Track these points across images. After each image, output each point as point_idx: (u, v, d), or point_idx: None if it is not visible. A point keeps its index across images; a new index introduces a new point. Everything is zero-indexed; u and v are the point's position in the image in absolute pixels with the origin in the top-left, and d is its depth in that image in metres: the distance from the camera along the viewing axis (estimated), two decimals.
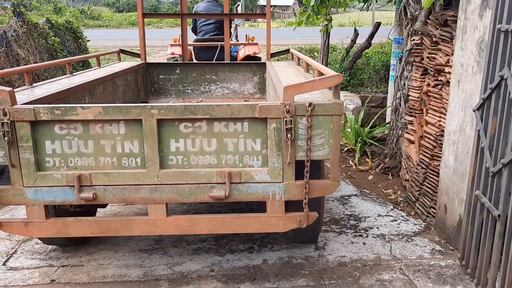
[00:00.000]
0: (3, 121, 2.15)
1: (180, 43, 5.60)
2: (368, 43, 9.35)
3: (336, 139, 2.26)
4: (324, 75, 2.40)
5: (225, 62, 4.90)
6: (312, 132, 2.24)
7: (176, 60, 5.96)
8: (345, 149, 5.20)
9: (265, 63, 4.74)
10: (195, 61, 5.94)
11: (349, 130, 5.60)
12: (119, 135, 2.26)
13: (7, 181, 2.35)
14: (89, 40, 7.62)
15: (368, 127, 5.36)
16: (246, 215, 2.47)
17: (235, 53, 6.47)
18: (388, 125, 5.12)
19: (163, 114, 2.20)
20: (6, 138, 2.16)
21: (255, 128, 2.26)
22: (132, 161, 2.30)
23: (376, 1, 6.85)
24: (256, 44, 6.51)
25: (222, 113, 2.21)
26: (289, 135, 2.20)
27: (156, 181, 2.30)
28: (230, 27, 5.29)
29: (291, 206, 2.46)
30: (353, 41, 9.73)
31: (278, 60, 6.22)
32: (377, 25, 9.06)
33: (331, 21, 5.80)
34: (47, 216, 2.37)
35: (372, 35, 9.35)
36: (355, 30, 9.58)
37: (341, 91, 8.58)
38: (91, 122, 2.23)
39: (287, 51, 4.95)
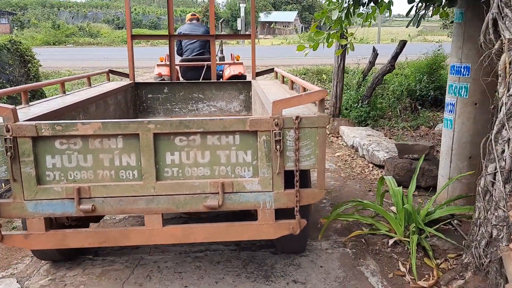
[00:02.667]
0: (6, 137, 2.23)
1: (167, 63, 5.98)
2: (391, 66, 7.69)
3: (322, 150, 2.39)
4: (309, 90, 2.54)
5: (211, 81, 5.02)
6: (300, 143, 2.36)
7: (163, 80, 6.01)
8: (389, 241, 3.19)
9: (250, 81, 4.86)
10: (181, 80, 6.03)
11: (393, 207, 3.61)
12: (117, 149, 2.34)
13: None
14: (41, 65, 6.10)
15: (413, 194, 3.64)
16: (239, 223, 2.54)
17: (221, 72, 6.53)
18: (459, 199, 3.42)
19: (159, 128, 2.30)
20: (8, 153, 2.24)
21: (246, 140, 2.38)
22: (130, 173, 2.38)
23: (407, 15, 5.28)
24: (241, 63, 6.59)
25: (215, 126, 2.33)
26: (278, 147, 2.33)
27: (153, 192, 2.39)
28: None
29: (280, 214, 2.50)
30: (372, 63, 8.04)
31: (266, 78, 6.15)
32: (402, 44, 7.41)
33: (345, 38, 4.21)
34: (47, 228, 2.42)
35: (396, 56, 7.69)
36: (374, 49, 7.95)
37: (361, 127, 6.71)
38: (90, 137, 2.32)
39: (272, 70, 4.92)
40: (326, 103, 8.64)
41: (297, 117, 2.31)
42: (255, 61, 4.91)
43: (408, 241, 3.02)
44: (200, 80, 5.65)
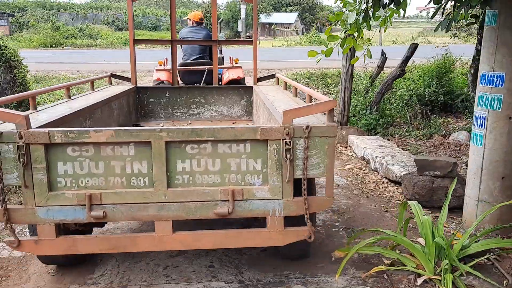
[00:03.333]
0: (18, 144, 2.23)
1: (166, 67, 6.10)
2: (401, 70, 7.28)
3: (331, 159, 2.42)
4: (315, 99, 2.64)
5: (213, 86, 5.03)
6: (309, 152, 2.39)
7: (163, 83, 5.98)
8: (417, 279, 2.71)
9: (252, 87, 4.89)
10: (180, 84, 5.92)
11: (420, 239, 3.07)
12: (128, 156, 2.36)
13: None
14: (28, 71, 5.69)
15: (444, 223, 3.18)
16: (248, 230, 2.59)
17: (219, 76, 6.39)
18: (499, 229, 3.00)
19: (171, 136, 2.32)
20: (21, 160, 2.24)
21: (257, 149, 2.40)
22: (141, 180, 2.39)
23: (432, 18, 4.92)
24: (240, 67, 6.56)
25: (226, 135, 2.35)
26: (288, 155, 2.36)
27: (163, 199, 2.40)
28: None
29: (287, 221, 2.52)
30: (380, 67, 7.63)
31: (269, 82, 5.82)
32: (414, 48, 7.01)
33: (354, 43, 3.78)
34: (57, 234, 2.42)
35: (406, 60, 7.28)
36: (383, 53, 7.53)
37: (371, 136, 6.29)
38: (102, 144, 2.33)
39: (273, 76, 4.98)
40: (334, 111, 8.21)
41: (307, 127, 2.35)
42: (257, 67, 4.91)
43: (440, 280, 2.59)
44: (202, 85, 5.71)
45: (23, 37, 31.15)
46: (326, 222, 3.74)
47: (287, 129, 2.34)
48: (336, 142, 6.39)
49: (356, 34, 3.52)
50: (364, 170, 5.14)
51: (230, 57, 7.31)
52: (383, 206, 4.10)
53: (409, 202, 3.07)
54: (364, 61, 4.26)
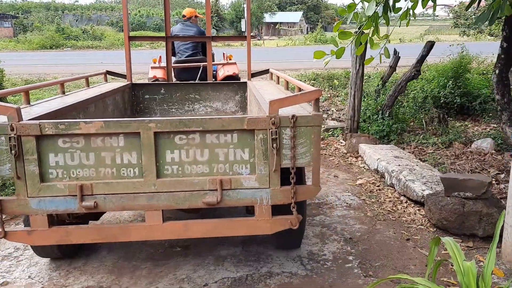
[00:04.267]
0: (10, 136, 2.27)
1: (161, 65, 6.11)
2: (416, 71, 6.66)
3: (317, 148, 2.45)
4: (303, 90, 2.64)
5: (207, 82, 5.10)
6: (296, 141, 2.42)
7: (158, 81, 5.91)
8: None
9: (246, 82, 4.92)
10: (175, 81, 5.87)
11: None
12: (118, 147, 2.39)
13: None
14: (4, 75, 5.16)
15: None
16: (237, 219, 2.61)
17: (214, 72, 6.39)
18: None
19: (159, 127, 2.35)
20: (13, 151, 2.27)
21: (244, 138, 2.44)
22: (131, 171, 2.42)
23: (467, 9, 4.31)
24: (235, 63, 6.51)
25: (214, 125, 2.39)
26: (274, 145, 2.39)
27: (153, 189, 2.43)
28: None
29: (277, 210, 2.55)
30: (393, 67, 7.01)
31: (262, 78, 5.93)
32: (430, 46, 6.38)
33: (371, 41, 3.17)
34: (50, 225, 2.46)
35: (422, 60, 6.63)
36: (395, 52, 6.88)
37: (384, 145, 5.70)
38: (92, 136, 2.37)
39: (267, 71, 4.99)
40: (342, 116, 7.64)
41: (293, 116, 2.38)
42: (251, 63, 4.96)
43: None
44: (197, 81, 5.64)
45: (26, 39, 30.82)
46: (338, 255, 3.14)
47: (273, 118, 2.37)
48: (345, 151, 5.79)
49: (370, 30, 2.92)
50: (378, 186, 4.52)
51: (223, 54, 7.21)
52: (403, 233, 3.48)
53: (444, 240, 2.46)
54: (380, 61, 3.69)
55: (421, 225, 3.63)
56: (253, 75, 5.00)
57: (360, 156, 5.55)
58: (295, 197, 2.50)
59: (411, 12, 3.14)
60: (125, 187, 2.42)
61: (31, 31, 37.58)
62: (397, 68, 7.19)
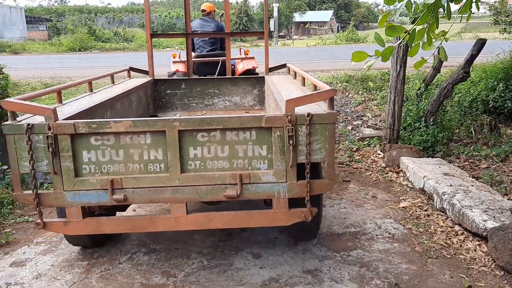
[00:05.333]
0: (47, 135, 2.43)
1: (181, 59, 6.27)
2: (464, 73, 5.85)
3: (331, 144, 2.55)
4: (320, 88, 2.74)
5: (226, 77, 5.25)
6: (311, 138, 2.52)
7: (175, 74, 6.13)
8: None
9: (263, 77, 5.03)
10: (194, 76, 5.93)
11: None
12: (145, 144, 2.55)
13: None
14: (8, 80, 4.80)
15: None
16: (255, 211, 2.72)
17: (232, 67, 6.44)
18: None
19: (183, 125, 2.50)
20: (50, 149, 2.44)
21: (262, 136, 2.55)
22: (157, 166, 2.57)
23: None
24: (253, 57, 6.59)
25: (234, 123, 2.51)
26: (291, 141, 2.50)
27: (178, 183, 2.58)
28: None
29: (293, 203, 2.66)
30: (437, 69, 6.25)
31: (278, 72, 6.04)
32: (481, 44, 5.60)
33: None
34: (83, 216, 2.63)
35: (471, 60, 5.80)
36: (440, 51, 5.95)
37: (429, 158, 5.09)
38: (122, 134, 2.52)
39: (284, 65, 5.13)
40: (380, 123, 6.92)
41: (308, 114, 2.48)
42: (268, 58, 5.13)
43: None
44: (216, 76, 5.74)
45: (60, 41, 31.28)
46: None
47: (289, 117, 2.46)
48: (384, 165, 5.10)
49: (426, 25, 2.27)
50: (426, 210, 3.83)
51: (240, 48, 7.37)
52: (463, 277, 2.80)
53: None
54: (434, 64, 3.03)
55: (484, 266, 2.93)
56: (271, 69, 5.13)
57: (401, 171, 4.85)
58: (310, 191, 2.60)
59: (473, 3, 2.48)
60: (151, 181, 2.57)
61: (64, 34, 38.27)
62: (463, 73, 6.42)
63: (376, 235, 3.39)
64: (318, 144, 2.53)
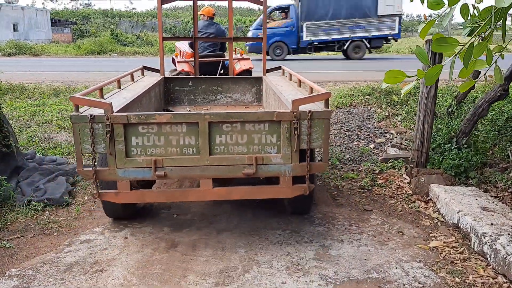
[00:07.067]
0: (106, 123, 3.02)
1: (184, 59, 6.97)
2: (503, 91, 5.28)
3: (326, 135, 3.19)
4: (315, 91, 3.51)
5: (228, 76, 5.93)
6: (311, 130, 3.16)
7: (179, 73, 6.76)
8: None
9: (261, 77, 5.73)
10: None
11: None
12: (182, 132, 3.15)
13: None
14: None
15: None
16: (267, 186, 3.42)
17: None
18: None
19: (212, 118, 3.12)
20: (108, 135, 3.03)
21: (273, 127, 3.19)
22: (190, 150, 3.17)
23: None
24: (249, 58, 7.31)
25: (251, 117, 3.17)
26: (295, 132, 3.13)
27: (206, 163, 3.17)
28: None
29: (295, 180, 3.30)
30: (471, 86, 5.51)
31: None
32: None
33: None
34: (131, 188, 3.22)
35: (511, 77, 5.17)
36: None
37: (463, 187, 4.89)
38: (163, 124, 3.11)
39: (279, 67, 5.73)
40: (405, 142, 6.32)
41: (309, 111, 3.12)
42: (266, 60, 5.76)
43: None
44: (218, 75, 6.62)
45: (78, 44, 31.51)
46: None
47: (295, 113, 3.10)
48: (410, 192, 4.54)
49: (483, 38, 1.77)
50: (461, 253, 3.27)
51: (235, 49, 7.75)
52: None
53: None
54: (486, 84, 2.51)
55: None
56: (268, 71, 5.73)
57: (431, 200, 4.28)
58: (309, 170, 3.23)
59: None
60: (186, 161, 3.16)
61: (88, 37, 38.61)
62: (502, 91, 5.82)
63: (403, 284, 2.85)
64: (316, 135, 3.19)
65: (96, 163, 3.08)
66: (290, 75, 4.98)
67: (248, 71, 6.94)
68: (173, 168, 3.13)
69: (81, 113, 3.07)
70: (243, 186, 3.33)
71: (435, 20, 1.69)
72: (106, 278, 2.95)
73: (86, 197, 4.43)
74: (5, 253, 3.33)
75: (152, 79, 5.19)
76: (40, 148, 5.76)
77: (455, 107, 6.13)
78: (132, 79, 4.90)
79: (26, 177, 4.61)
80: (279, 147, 3.19)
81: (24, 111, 7.30)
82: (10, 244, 3.44)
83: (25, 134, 6.24)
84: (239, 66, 6.99)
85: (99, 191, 3.21)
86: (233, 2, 5.72)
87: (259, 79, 5.79)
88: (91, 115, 2.99)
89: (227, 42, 6.86)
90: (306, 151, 3.18)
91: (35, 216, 3.93)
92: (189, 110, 5.57)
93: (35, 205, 4.02)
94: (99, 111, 3.06)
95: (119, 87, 4.29)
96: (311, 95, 3.36)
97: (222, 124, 3.14)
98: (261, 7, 5.69)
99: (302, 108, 3.13)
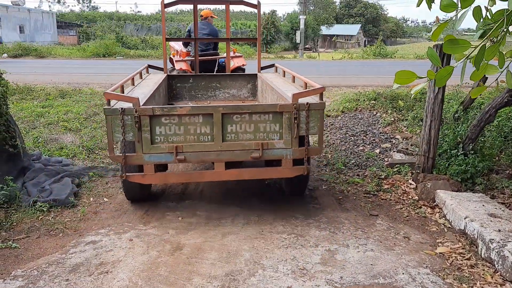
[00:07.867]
0: (134, 115, 3.46)
1: (181, 58, 7.57)
2: (510, 97, 5.20)
3: (321, 123, 3.72)
4: (310, 85, 4.03)
5: (225, 73, 6.45)
6: (308, 119, 3.68)
7: (178, 72, 7.24)
8: None
9: (256, 74, 6.29)
10: (192, 72, 7.05)
11: None
12: (199, 122, 3.63)
13: None
14: (7, 86, 4.49)
15: None
16: (271, 168, 3.98)
17: (223, 64, 7.38)
18: None
19: (225, 110, 3.62)
20: (136, 125, 3.48)
21: (276, 117, 3.70)
22: (206, 137, 3.67)
23: None
24: (241, 56, 8.13)
25: (258, 109, 3.69)
26: (295, 121, 3.64)
27: (220, 149, 3.68)
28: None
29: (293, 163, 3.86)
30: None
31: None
32: None
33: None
34: (155, 171, 3.69)
35: None
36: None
37: (470, 193, 4.61)
38: (183, 115, 3.60)
39: (273, 65, 6.30)
40: (411, 147, 6.27)
41: (307, 103, 3.63)
42: (260, 58, 6.35)
43: None
44: (215, 73, 7.15)
45: (89, 46, 31.67)
46: None
47: (295, 105, 3.62)
48: (417, 198, 4.52)
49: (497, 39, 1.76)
50: (468, 259, 3.25)
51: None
52: None
53: None
54: (497, 89, 2.50)
55: None
56: (262, 68, 6.29)
57: (437, 206, 4.26)
58: (307, 154, 3.77)
59: None
60: (202, 147, 3.64)
61: (93, 40, 38.77)
62: (509, 97, 5.78)
63: None
64: (313, 123, 3.69)
65: (124, 150, 3.58)
66: (284, 72, 5.55)
67: (241, 68, 7.63)
68: (191, 153, 3.63)
69: (113, 106, 3.49)
70: (252, 168, 3.91)
71: (448, 22, 1.68)
72: (111, 280, 2.95)
73: (91, 199, 4.45)
74: (11, 253, 3.33)
75: (157, 77, 5.58)
76: (46, 149, 5.79)
77: (462, 113, 6.11)
78: (141, 77, 5.34)
79: (32, 177, 4.63)
80: (281, 134, 3.70)
81: (30, 112, 7.34)
82: (16, 244, 3.45)
83: (31, 135, 6.27)
84: (233, 64, 7.55)
85: (127, 173, 3.69)
86: (237, 7, 6.64)
87: (253, 76, 6.30)
88: (122, 108, 3.44)
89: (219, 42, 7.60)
90: (305, 137, 3.72)
91: (41, 217, 3.94)
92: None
93: (41, 206, 4.04)
94: (128, 105, 3.49)
95: (133, 84, 4.71)
96: (309, 89, 3.86)
97: (233, 115, 3.63)
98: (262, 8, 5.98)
99: (301, 100, 3.64)
